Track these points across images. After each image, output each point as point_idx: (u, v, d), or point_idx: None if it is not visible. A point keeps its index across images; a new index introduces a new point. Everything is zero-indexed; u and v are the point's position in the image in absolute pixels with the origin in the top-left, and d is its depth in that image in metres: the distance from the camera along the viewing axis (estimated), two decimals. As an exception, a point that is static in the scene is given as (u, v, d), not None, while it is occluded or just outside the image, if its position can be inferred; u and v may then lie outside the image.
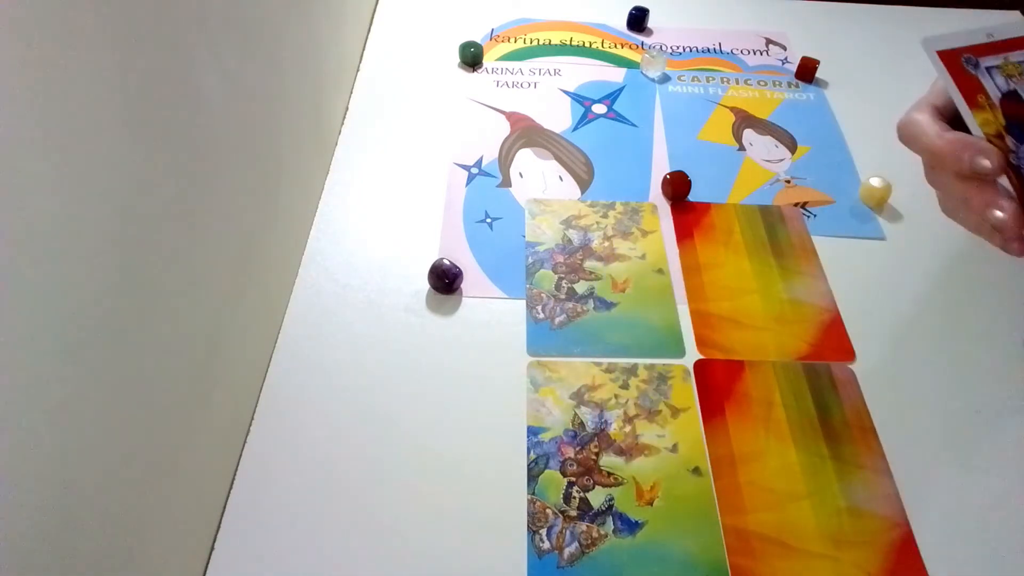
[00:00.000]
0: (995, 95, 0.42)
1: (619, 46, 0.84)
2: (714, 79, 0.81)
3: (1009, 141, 0.43)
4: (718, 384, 0.54)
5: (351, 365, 0.55)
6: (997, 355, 0.57)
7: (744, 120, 0.76)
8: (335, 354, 0.55)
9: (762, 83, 0.80)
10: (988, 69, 0.42)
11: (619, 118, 0.76)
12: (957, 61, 0.43)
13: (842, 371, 0.55)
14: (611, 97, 0.78)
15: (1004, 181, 0.43)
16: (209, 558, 0.46)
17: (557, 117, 0.75)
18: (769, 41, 0.85)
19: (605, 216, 0.66)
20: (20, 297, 0.29)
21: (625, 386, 0.54)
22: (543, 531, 0.47)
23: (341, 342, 0.56)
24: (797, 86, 0.80)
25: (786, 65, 0.82)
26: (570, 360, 0.56)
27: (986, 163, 0.42)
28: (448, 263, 0.59)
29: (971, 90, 0.43)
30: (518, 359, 0.55)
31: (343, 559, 0.46)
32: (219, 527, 0.47)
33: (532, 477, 0.49)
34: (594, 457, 0.50)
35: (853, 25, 0.87)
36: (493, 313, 0.58)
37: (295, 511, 0.48)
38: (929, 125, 0.45)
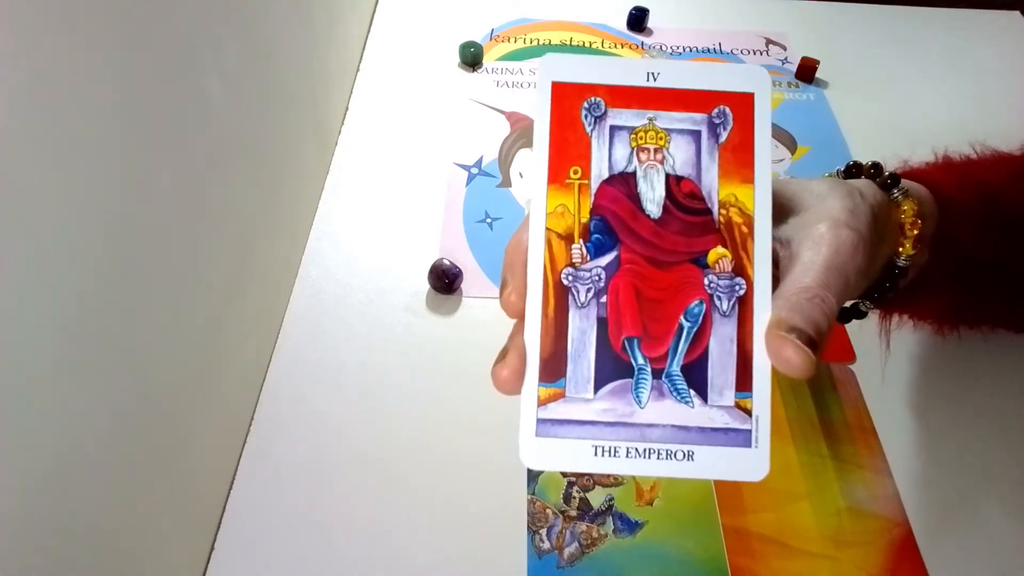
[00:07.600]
0: (599, 174, 0.29)
1: (619, 46, 0.84)
2: (714, 79, 0.80)
3: (578, 250, 0.29)
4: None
5: (351, 365, 0.55)
6: (997, 354, 0.57)
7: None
8: (335, 354, 0.55)
9: (762, 83, 0.80)
10: (614, 130, 0.30)
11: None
12: (573, 105, 0.30)
13: (842, 371, 0.55)
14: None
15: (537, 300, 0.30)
16: (209, 558, 0.46)
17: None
18: (769, 41, 0.85)
19: None
20: (19, 297, 0.29)
21: None
22: (543, 531, 0.47)
23: (341, 342, 0.56)
24: (797, 86, 0.80)
25: (786, 65, 0.82)
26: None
27: (514, 307, 0.32)
28: (448, 263, 0.59)
29: (568, 156, 0.29)
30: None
31: (343, 559, 0.46)
32: (219, 527, 0.47)
33: (532, 477, 0.49)
34: (594, 457, 0.50)
35: (853, 25, 0.87)
36: (493, 313, 0.58)
37: (295, 511, 0.48)
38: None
